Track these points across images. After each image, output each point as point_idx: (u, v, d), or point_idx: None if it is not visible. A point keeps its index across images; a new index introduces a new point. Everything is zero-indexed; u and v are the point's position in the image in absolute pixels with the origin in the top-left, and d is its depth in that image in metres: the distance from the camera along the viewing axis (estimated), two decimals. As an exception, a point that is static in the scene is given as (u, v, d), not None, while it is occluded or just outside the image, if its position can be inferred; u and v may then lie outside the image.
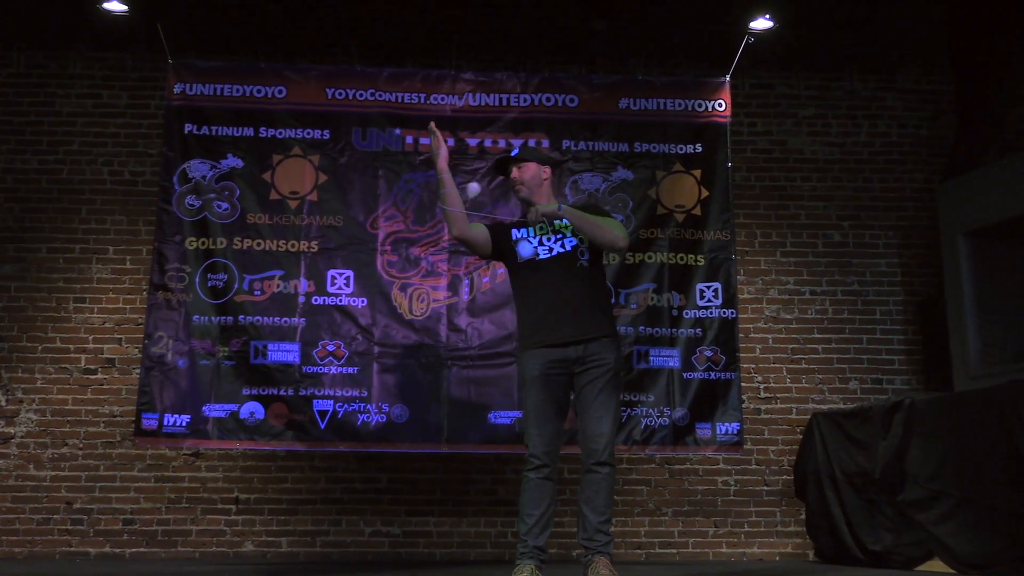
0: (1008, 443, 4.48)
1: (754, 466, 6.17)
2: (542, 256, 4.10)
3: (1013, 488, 4.45)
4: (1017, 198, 5.76)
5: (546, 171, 4.28)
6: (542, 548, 3.95)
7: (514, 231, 4.21)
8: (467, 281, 5.45)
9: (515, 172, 4.25)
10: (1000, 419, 4.56)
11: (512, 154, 4.29)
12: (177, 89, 5.50)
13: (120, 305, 6.15)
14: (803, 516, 5.98)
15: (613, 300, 5.34)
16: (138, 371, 5.49)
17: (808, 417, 6.00)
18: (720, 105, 5.69)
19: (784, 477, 6.14)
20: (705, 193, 5.60)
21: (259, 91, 5.54)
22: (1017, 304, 6.01)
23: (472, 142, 5.58)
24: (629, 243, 4.36)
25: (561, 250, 4.10)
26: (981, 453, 4.66)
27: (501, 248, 4.21)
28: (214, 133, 5.48)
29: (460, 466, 5.97)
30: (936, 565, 4.91)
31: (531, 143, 5.56)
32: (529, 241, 4.15)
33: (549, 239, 4.14)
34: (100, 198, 6.28)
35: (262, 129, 5.51)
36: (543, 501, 3.95)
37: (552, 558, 4.21)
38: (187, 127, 5.46)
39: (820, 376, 6.35)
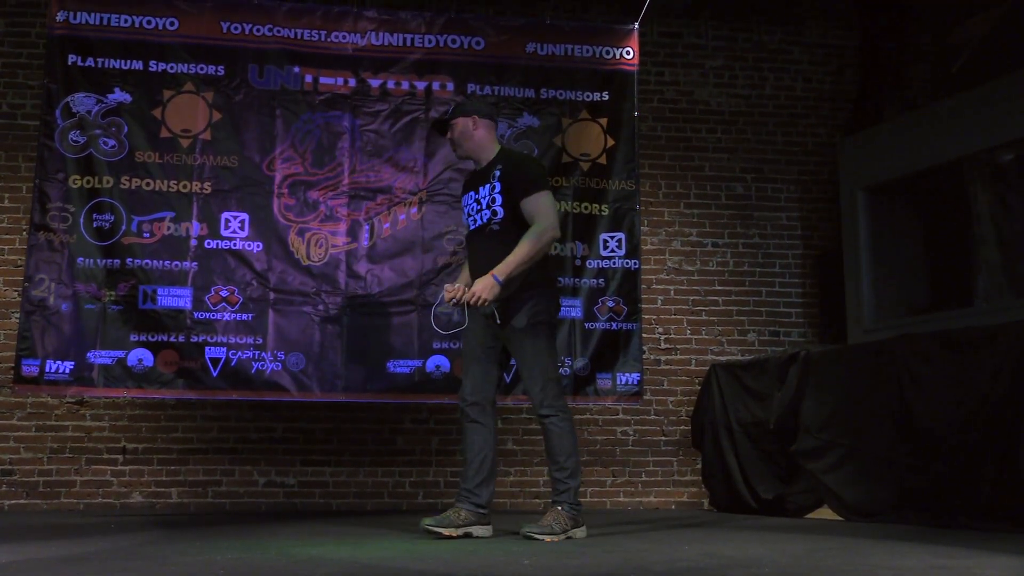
0: (896, 395, 4.58)
1: (653, 416, 6.21)
2: (471, 227, 4.23)
3: (900, 438, 4.55)
4: (915, 155, 5.86)
5: (476, 121, 4.21)
6: (474, 493, 3.98)
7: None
8: (367, 227, 5.30)
9: (449, 133, 4.30)
10: (890, 371, 4.66)
11: (446, 115, 4.37)
12: (60, 17, 5.19)
13: (-2, 245, 5.83)
14: (699, 466, 6.06)
15: None
16: (17, 315, 5.22)
17: (707, 368, 6.06)
18: (628, 53, 5.62)
19: (682, 427, 6.20)
20: (611, 142, 5.55)
21: (149, 22, 5.28)
22: (911, 260, 6.14)
23: (374, 83, 5.41)
24: (558, 224, 4.14)
25: (481, 222, 4.16)
26: (871, 405, 4.76)
27: None
28: (100, 65, 5.21)
29: (357, 415, 5.86)
30: (825, 513, 5.02)
31: (435, 86, 5.43)
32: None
33: (476, 211, 4.19)
34: (-24, 131, 5.92)
35: (152, 63, 5.26)
36: (473, 445, 4.04)
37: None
38: (71, 58, 5.18)
39: (720, 328, 6.41)
